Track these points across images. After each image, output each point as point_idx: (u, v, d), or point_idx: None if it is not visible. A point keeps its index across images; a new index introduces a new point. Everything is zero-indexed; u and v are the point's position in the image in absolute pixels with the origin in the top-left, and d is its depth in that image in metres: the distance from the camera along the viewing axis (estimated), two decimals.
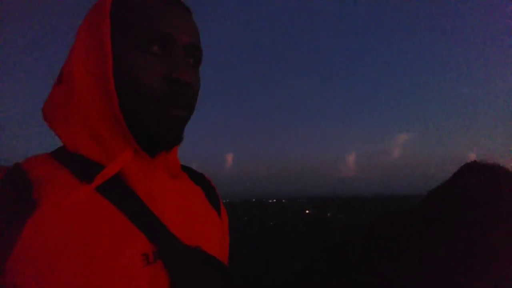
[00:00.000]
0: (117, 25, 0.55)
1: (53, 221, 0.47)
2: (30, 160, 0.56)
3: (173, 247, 0.54)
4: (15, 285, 0.43)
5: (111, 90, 0.53)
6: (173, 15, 0.57)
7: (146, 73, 0.53)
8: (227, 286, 0.59)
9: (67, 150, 0.57)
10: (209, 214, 0.69)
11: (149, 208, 0.55)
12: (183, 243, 0.56)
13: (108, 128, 0.55)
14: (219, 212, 0.75)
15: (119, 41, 0.54)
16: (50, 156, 0.57)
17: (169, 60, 0.55)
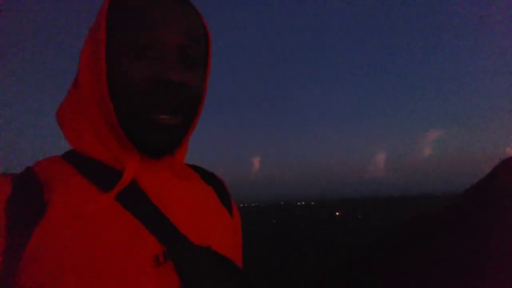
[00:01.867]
0: (112, 31, 0.55)
1: (64, 223, 0.48)
2: (41, 163, 0.57)
3: (183, 247, 0.54)
4: (28, 286, 0.44)
5: (106, 97, 0.54)
6: (166, 14, 0.56)
7: (137, 79, 0.53)
8: (238, 286, 0.58)
9: (77, 152, 0.58)
10: (220, 214, 0.69)
11: (159, 209, 0.56)
12: (193, 243, 0.56)
13: (112, 133, 0.56)
14: (230, 211, 0.74)
15: (113, 47, 0.54)
16: (60, 159, 0.58)
17: (160, 63, 0.55)
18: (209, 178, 0.75)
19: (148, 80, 0.54)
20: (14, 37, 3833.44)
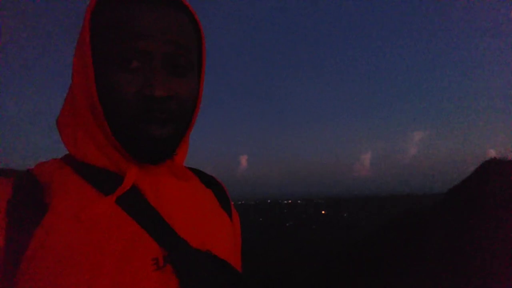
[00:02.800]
0: (97, 39, 0.54)
1: (64, 225, 0.47)
2: (41, 165, 0.57)
3: (182, 251, 0.54)
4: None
5: (97, 108, 0.53)
6: (152, 21, 0.54)
7: (124, 91, 0.53)
8: None
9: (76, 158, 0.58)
10: (219, 218, 0.69)
11: (159, 213, 0.56)
12: (193, 247, 0.56)
13: (108, 141, 0.56)
14: (230, 215, 0.74)
15: (99, 56, 0.54)
16: (60, 161, 0.58)
17: (145, 76, 0.53)
18: (208, 181, 0.75)
19: (135, 94, 0.53)
20: (12, 34, 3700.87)
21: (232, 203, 0.78)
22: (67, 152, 0.60)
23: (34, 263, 0.44)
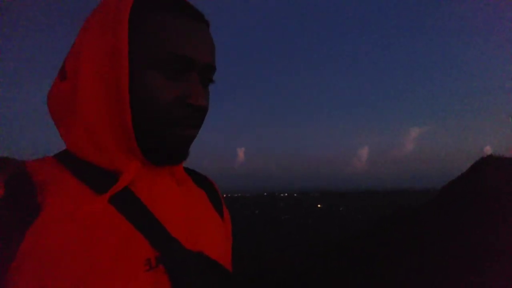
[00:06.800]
0: (135, 38, 0.53)
1: (57, 225, 0.47)
2: (34, 163, 0.55)
3: (175, 252, 0.54)
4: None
5: (125, 106, 0.52)
6: (194, 35, 0.55)
7: (163, 95, 0.53)
8: None
9: (71, 153, 0.57)
10: (212, 218, 0.69)
11: (153, 214, 0.55)
12: (185, 248, 0.56)
13: (113, 138, 0.55)
14: (221, 215, 0.75)
15: (136, 56, 0.53)
16: (54, 159, 0.57)
17: (187, 84, 0.55)
18: (201, 181, 0.75)
19: (174, 100, 0.54)
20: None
21: (224, 202, 0.79)
22: (60, 150, 0.59)
23: (26, 263, 0.44)
